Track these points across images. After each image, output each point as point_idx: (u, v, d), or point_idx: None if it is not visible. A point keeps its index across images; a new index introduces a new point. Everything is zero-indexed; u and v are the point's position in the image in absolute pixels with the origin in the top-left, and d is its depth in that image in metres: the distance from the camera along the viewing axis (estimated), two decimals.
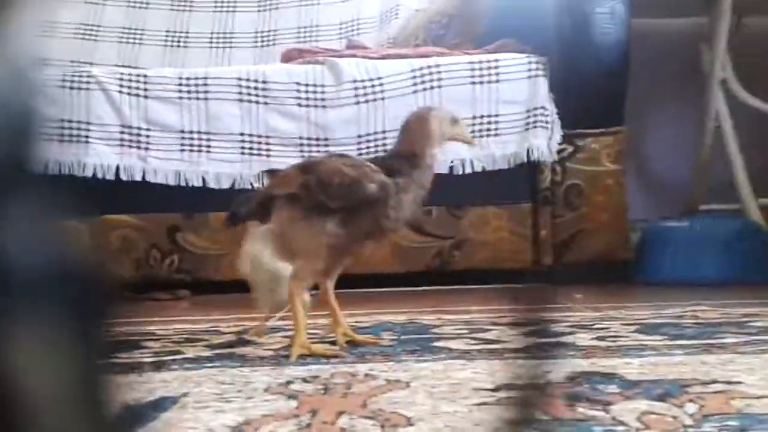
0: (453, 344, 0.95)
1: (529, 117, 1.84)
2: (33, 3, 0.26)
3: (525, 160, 1.81)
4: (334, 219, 0.89)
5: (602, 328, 1.02)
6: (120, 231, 1.84)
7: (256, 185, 1.85)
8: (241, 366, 0.86)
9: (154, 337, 1.11)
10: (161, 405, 0.69)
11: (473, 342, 0.96)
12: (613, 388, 0.66)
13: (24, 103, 0.27)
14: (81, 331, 0.28)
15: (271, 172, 1.16)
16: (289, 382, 0.76)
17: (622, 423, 0.56)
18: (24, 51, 0.26)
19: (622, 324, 1.06)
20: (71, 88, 1.86)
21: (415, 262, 1.85)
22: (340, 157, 1.00)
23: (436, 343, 0.95)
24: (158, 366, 0.88)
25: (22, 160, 0.27)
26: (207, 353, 0.96)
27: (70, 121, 1.84)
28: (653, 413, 0.58)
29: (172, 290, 1.85)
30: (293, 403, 0.67)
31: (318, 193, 0.90)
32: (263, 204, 0.95)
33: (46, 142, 0.28)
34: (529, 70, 1.86)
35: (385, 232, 0.94)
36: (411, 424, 0.59)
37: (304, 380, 0.77)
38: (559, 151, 1.83)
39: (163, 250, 1.87)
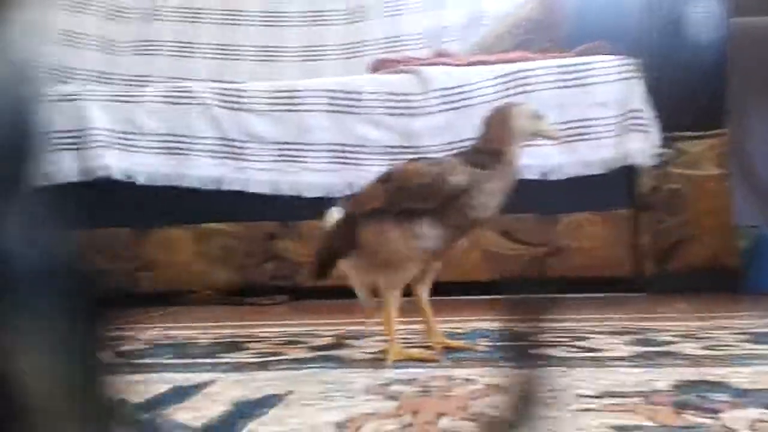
0: (552, 351, 0.94)
1: (624, 120, 1.80)
2: (31, 4, 0.26)
3: (621, 164, 1.77)
4: (424, 221, 0.90)
5: (710, 338, 0.99)
6: (220, 239, 1.93)
7: (346, 193, 1.89)
8: (340, 367, 0.88)
9: (257, 339, 1.16)
10: (268, 402, 0.72)
11: (573, 350, 0.95)
12: (723, 397, 0.64)
13: (21, 108, 0.26)
14: (76, 330, 0.29)
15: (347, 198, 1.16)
16: (388, 384, 0.78)
17: (732, 431, 0.55)
18: (22, 53, 0.26)
19: (731, 333, 1.02)
20: (172, 103, 1.97)
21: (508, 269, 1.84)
22: (417, 159, 1.00)
23: (533, 352, 0.95)
24: (263, 366, 0.92)
25: (20, 167, 0.27)
26: (308, 355, 0.99)
27: (173, 135, 1.95)
28: (766, 422, 0.56)
29: (270, 296, 1.91)
30: (394, 404, 0.69)
31: (402, 199, 0.91)
32: (347, 232, 0.96)
33: (43, 151, 0.28)
34: (622, 72, 1.82)
35: (475, 225, 0.93)
36: (513, 428, 0.59)
37: (403, 383, 0.78)
38: (658, 155, 1.78)
39: (261, 257, 1.94)
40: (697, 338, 0.99)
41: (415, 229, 0.90)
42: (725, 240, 1.78)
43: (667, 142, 1.79)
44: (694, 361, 0.82)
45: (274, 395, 0.75)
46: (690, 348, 0.91)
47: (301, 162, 1.92)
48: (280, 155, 1.93)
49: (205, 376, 0.87)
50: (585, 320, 1.24)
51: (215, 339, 1.19)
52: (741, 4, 1.96)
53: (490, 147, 0.94)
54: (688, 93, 1.78)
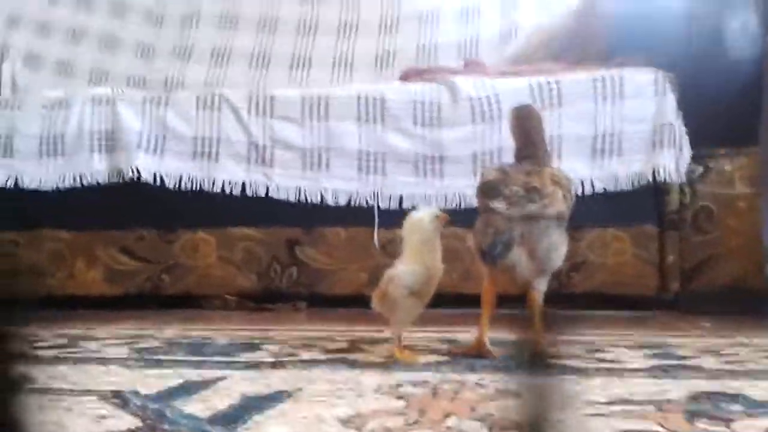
0: (567, 362, 0.93)
1: (655, 135, 1.78)
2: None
3: (650, 180, 1.75)
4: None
5: (730, 354, 0.97)
6: (244, 243, 1.95)
7: (371, 203, 1.90)
8: (352, 368, 0.88)
9: (273, 341, 1.17)
10: (277, 397, 0.73)
11: (589, 360, 0.94)
12: (737, 407, 0.63)
13: None
14: None
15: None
16: (398, 385, 0.78)
17: None
18: None
19: (751, 350, 1.00)
20: (204, 107, 2.00)
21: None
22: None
23: (549, 361, 0.94)
24: (276, 365, 0.92)
25: None
26: (321, 357, 0.99)
27: (202, 139, 1.98)
28: None
29: (291, 302, 1.92)
30: (402, 403, 0.69)
31: (570, 203, 0.97)
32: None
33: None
34: (656, 86, 1.80)
35: None
36: (519, 429, 0.59)
37: (414, 384, 0.78)
38: (688, 172, 1.76)
39: (283, 263, 1.95)
40: (716, 354, 0.97)
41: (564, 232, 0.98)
42: (753, 261, 1.74)
43: (697, 158, 1.77)
44: (711, 374, 0.81)
45: (284, 391, 0.75)
46: (708, 363, 0.89)
47: (327, 169, 1.94)
48: (306, 161, 1.94)
49: (217, 373, 0.88)
50: (607, 335, 1.22)
51: (231, 340, 1.20)
52: None
53: None
54: (721, 110, 1.76)
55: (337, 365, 0.92)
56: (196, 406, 0.70)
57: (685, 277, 1.76)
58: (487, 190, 0.94)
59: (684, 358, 0.94)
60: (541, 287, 0.96)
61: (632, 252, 1.79)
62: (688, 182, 1.77)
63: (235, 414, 0.66)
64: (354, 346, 1.10)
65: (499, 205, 0.90)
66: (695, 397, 0.68)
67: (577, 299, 1.80)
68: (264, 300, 1.93)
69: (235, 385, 0.80)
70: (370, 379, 0.82)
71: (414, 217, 1.02)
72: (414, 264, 0.98)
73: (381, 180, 1.91)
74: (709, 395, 0.69)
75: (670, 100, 1.78)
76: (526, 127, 1.02)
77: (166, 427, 0.62)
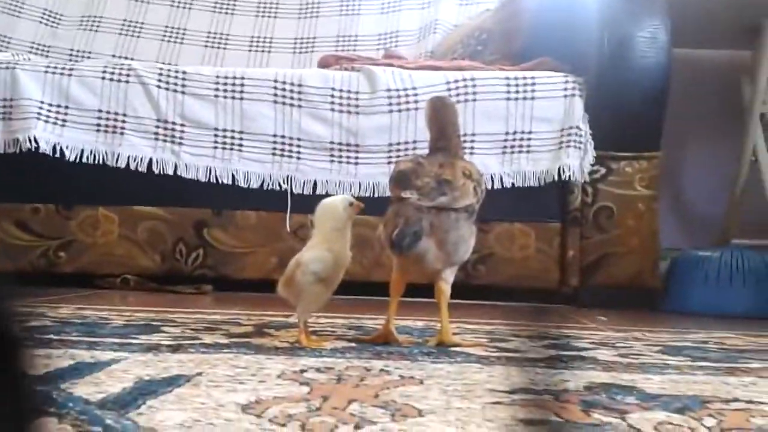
0: (471, 350, 0.94)
1: (562, 136, 1.83)
2: None
3: (556, 178, 1.80)
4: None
5: (625, 347, 1.01)
6: (149, 222, 1.87)
7: (284, 187, 1.87)
8: (256, 353, 0.86)
9: (173, 324, 1.12)
10: (175, 382, 0.69)
11: (492, 350, 0.95)
12: (631, 399, 0.65)
13: None
14: None
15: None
16: (303, 371, 0.76)
17: (638, 431, 0.55)
18: None
19: (646, 345, 1.04)
20: (111, 79, 1.90)
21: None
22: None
23: (453, 349, 0.94)
24: (175, 348, 0.88)
25: None
26: (224, 341, 0.96)
27: (107, 112, 1.88)
28: (671, 423, 0.57)
29: (196, 285, 1.86)
30: (305, 389, 0.67)
31: (480, 197, 0.97)
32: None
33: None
34: (566, 89, 1.85)
35: None
36: (422, 416, 0.58)
37: (318, 370, 0.77)
38: (591, 173, 1.82)
39: (190, 245, 1.89)
40: (612, 346, 1.00)
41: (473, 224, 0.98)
42: (649, 260, 1.83)
43: (601, 160, 1.83)
44: (607, 366, 0.83)
45: (182, 376, 0.72)
46: (604, 355, 0.92)
47: (239, 150, 1.88)
48: (218, 142, 1.88)
49: (111, 355, 0.83)
50: (509, 325, 1.24)
51: (130, 321, 1.15)
52: (684, 37, 2.03)
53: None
54: (626, 115, 1.83)
55: (239, 350, 0.89)
56: (87, 389, 0.65)
57: (584, 273, 1.82)
58: (399, 180, 0.93)
59: (581, 349, 0.97)
60: (449, 278, 0.96)
61: (536, 246, 1.84)
62: (590, 182, 1.83)
63: (128, 398, 0.63)
64: (259, 331, 1.07)
65: (410, 195, 0.89)
66: (591, 388, 0.70)
67: (483, 291, 1.83)
68: (167, 282, 1.86)
69: (130, 368, 0.76)
70: (274, 364, 0.79)
71: (327, 202, 1.00)
72: (323, 250, 0.96)
73: (295, 164, 1.88)
74: (605, 386, 0.71)
75: (578, 104, 1.84)
76: (442, 119, 1.02)
77: (52, 410, 0.58)
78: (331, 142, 1.88)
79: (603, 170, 1.84)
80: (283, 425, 0.54)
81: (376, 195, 1.83)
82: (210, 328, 1.09)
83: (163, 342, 0.94)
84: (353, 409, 0.59)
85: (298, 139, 1.88)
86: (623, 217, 1.82)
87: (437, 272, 0.95)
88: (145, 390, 0.66)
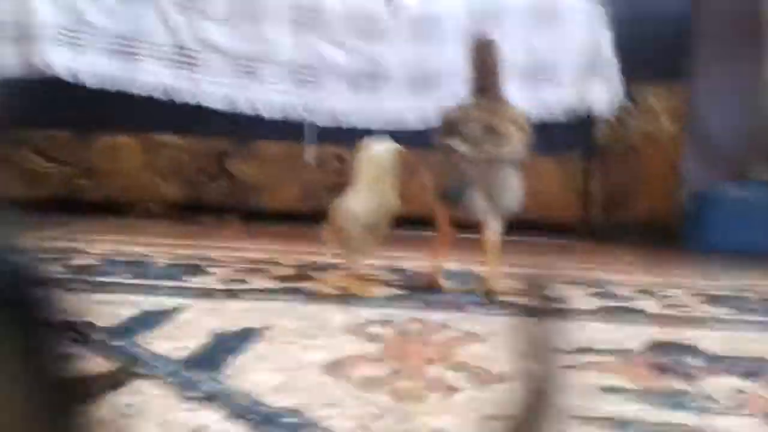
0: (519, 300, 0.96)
1: (589, 67, 1.80)
2: None
3: (582, 111, 1.78)
4: None
5: (666, 296, 1.02)
6: (169, 151, 1.86)
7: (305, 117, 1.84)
8: (310, 301, 0.88)
9: (216, 263, 1.13)
10: (247, 336, 0.71)
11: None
12: (698, 362, 0.67)
13: None
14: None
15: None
16: (365, 324, 0.78)
17: (716, 401, 0.57)
18: None
19: (686, 294, 1.06)
20: (126, 2, 1.84)
21: None
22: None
23: (502, 298, 0.96)
24: (230, 294, 0.90)
25: None
26: (272, 285, 0.97)
27: (123, 37, 1.83)
28: (742, 392, 0.59)
29: (219, 215, 1.87)
30: (377, 347, 0.69)
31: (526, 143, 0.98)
32: None
33: None
34: (593, 17, 1.80)
35: None
36: (501, 382, 0.60)
37: (380, 323, 0.78)
38: (618, 106, 1.80)
39: (212, 174, 1.88)
40: (653, 295, 1.02)
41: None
42: (670, 197, 1.83)
43: (628, 93, 1.81)
44: (659, 320, 0.85)
45: (251, 329, 0.74)
46: (651, 306, 0.94)
47: (259, 79, 1.85)
48: (238, 69, 1.85)
49: (171, 302, 0.85)
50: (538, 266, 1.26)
51: (172, 260, 1.16)
52: None
53: None
54: (651, 45, 1.79)
55: (293, 297, 0.90)
56: (164, 345, 0.67)
57: (605, 208, 1.83)
58: (446, 128, 0.92)
59: (625, 299, 0.98)
60: (496, 227, 0.97)
61: (559, 180, 1.84)
62: (617, 116, 1.81)
63: (210, 356, 0.64)
64: (302, 273, 1.09)
65: (458, 144, 0.89)
66: (652, 349, 0.72)
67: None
68: (189, 211, 1.86)
69: (197, 319, 0.77)
70: (334, 315, 0.81)
71: (372, 150, 0.99)
72: (369, 198, 0.96)
73: (315, 94, 1.85)
74: (667, 347, 0.73)
75: (605, 33, 1.80)
76: (486, 61, 1.00)
77: (142, 371, 0.60)
78: (352, 70, 1.84)
79: (629, 104, 1.82)
80: (373, 392, 0.56)
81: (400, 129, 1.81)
82: (252, 269, 1.10)
83: (214, 286, 0.95)
84: (433, 372, 0.61)
85: (317, 67, 1.85)
86: (647, 153, 1.82)
87: (484, 222, 0.95)
88: (223, 346, 0.67)
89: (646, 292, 1.03)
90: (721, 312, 0.91)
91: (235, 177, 1.89)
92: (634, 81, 1.80)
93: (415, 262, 1.21)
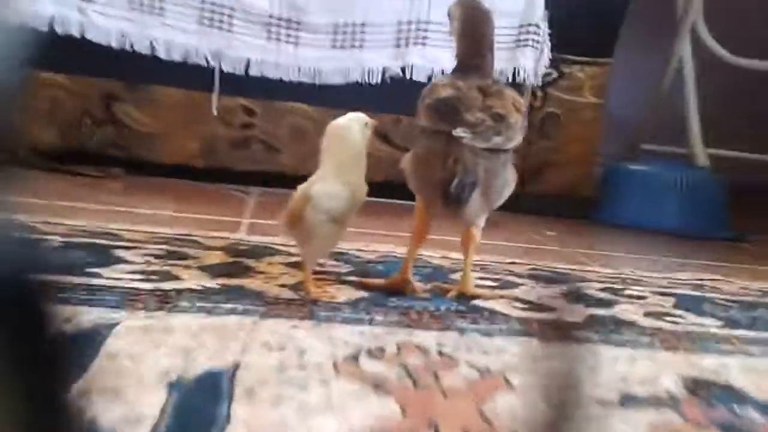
0: (496, 305, 0.83)
1: (520, 34, 1.68)
2: None
3: (510, 79, 1.67)
4: None
5: (635, 294, 0.93)
6: (49, 91, 1.54)
7: (212, 63, 1.59)
8: (269, 314, 0.69)
9: (129, 244, 0.90)
10: (217, 382, 0.52)
11: (517, 305, 0.84)
12: (757, 416, 0.57)
13: None
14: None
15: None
16: (354, 356, 0.61)
17: None
18: None
19: (649, 290, 0.98)
20: None
21: (378, 172, 1.70)
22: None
23: (482, 305, 0.83)
24: (164, 303, 0.69)
25: None
26: (211, 284, 0.77)
27: None
28: None
29: (104, 167, 1.59)
30: (391, 406, 0.52)
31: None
32: None
33: None
34: None
35: None
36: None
37: (369, 354, 0.62)
38: (544, 75, 1.70)
39: (97, 120, 1.59)
40: (617, 293, 0.93)
41: None
42: (586, 169, 1.78)
43: (554, 63, 1.71)
44: (657, 336, 0.75)
45: (218, 374, 0.54)
46: (631, 314, 0.84)
47: (159, 15, 1.56)
48: (134, 3, 1.55)
49: (86, 319, 0.63)
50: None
51: (69, 235, 0.91)
52: None
53: None
54: (586, 20, 1.70)
55: (243, 304, 0.71)
56: (108, 403, 0.47)
57: (523, 179, 1.75)
58: (445, 111, 0.74)
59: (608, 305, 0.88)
60: (481, 224, 0.83)
61: None
62: (541, 86, 1.72)
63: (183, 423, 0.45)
64: (239, 264, 0.89)
65: (463, 133, 0.72)
66: (696, 390, 0.61)
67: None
68: (67, 160, 1.57)
69: (134, 355, 0.57)
70: (307, 341, 0.63)
71: (340, 124, 0.81)
72: (337, 183, 0.78)
73: (226, 38, 1.60)
74: (705, 386, 0.62)
75: (539, 1, 1.68)
76: (476, 31, 0.83)
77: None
78: (270, 16, 1.60)
79: (555, 74, 1.72)
80: None
81: (317, 82, 1.61)
82: (172, 252, 0.89)
83: (138, 286, 0.73)
84: None
85: (231, 8, 1.59)
86: (568, 125, 1.74)
87: (473, 222, 0.81)
88: (192, 417, 0.48)
89: (611, 290, 0.94)
90: (710, 324, 0.83)
91: (124, 124, 1.62)
92: (564, 53, 1.71)
93: (370, 245, 1.05)
